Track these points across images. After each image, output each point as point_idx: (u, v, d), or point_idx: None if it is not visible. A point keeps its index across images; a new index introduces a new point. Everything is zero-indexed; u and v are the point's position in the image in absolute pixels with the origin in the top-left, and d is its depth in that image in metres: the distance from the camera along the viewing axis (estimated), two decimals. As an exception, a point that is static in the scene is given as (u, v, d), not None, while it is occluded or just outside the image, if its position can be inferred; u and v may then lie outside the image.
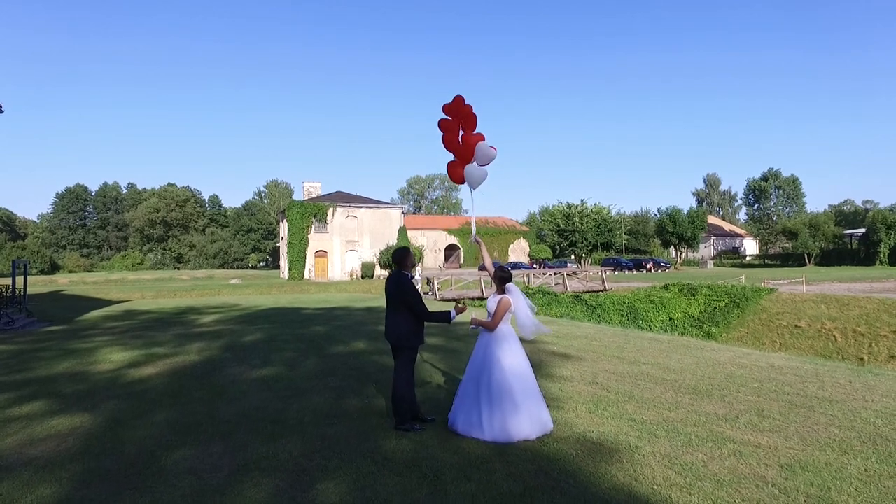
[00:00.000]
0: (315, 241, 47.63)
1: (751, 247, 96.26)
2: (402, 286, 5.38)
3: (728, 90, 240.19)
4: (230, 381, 7.64)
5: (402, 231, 50.83)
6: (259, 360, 9.16)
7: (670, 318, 20.39)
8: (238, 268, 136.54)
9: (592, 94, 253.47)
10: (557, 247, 46.07)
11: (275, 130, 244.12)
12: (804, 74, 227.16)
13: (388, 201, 53.61)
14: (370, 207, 50.04)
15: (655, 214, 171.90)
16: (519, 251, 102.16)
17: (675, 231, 48.61)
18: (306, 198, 50.66)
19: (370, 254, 49.72)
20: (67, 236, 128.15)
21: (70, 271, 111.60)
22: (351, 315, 17.16)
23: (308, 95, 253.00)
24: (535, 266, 45.80)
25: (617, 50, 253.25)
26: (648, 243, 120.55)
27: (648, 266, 52.18)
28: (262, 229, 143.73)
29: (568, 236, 43.91)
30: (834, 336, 16.92)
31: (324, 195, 51.44)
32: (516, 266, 54.35)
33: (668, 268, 61.80)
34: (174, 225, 70.24)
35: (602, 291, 28.38)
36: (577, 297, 19.78)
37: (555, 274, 31.57)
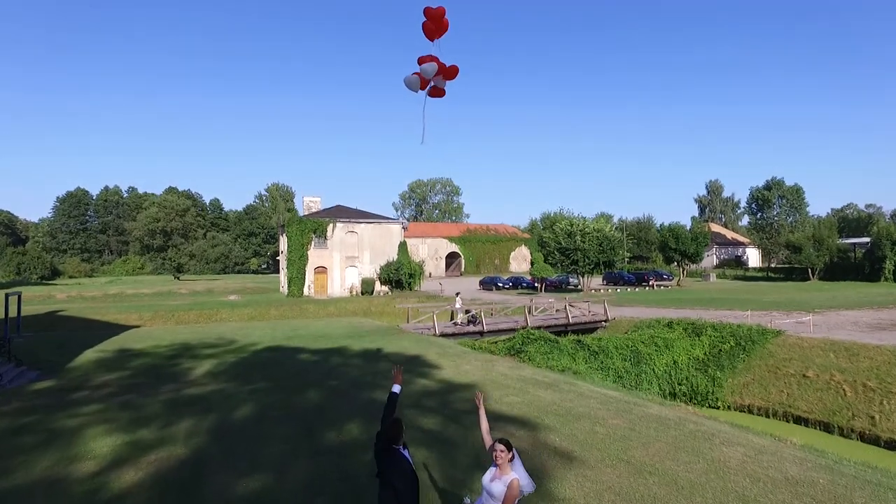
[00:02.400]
0: (315, 257, 47.23)
1: (753, 255, 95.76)
2: (391, 467, 4.93)
3: (729, 96, 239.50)
4: (214, 498, 7.26)
5: (403, 246, 50.38)
6: (246, 460, 8.73)
7: (674, 362, 19.93)
8: (239, 272, 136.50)
9: (595, 101, 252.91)
10: (559, 264, 45.58)
11: (276, 134, 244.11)
12: (804, 77, 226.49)
13: (389, 216, 53.10)
14: (370, 223, 49.60)
15: (658, 229, 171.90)
16: (520, 258, 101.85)
17: (678, 248, 48.11)
18: (306, 213, 50.27)
19: (370, 269, 49.29)
20: (68, 241, 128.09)
21: (70, 276, 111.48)
22: (347, 366, 16.72)
23: (309, 98, 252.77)
24: (536, 284, 45.31)
25: (621, 57, 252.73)
26: (650, 249, 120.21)
27: (651, 282, 51.67)
28: (263, 233, 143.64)
29: (570, 255, 43.39)
30: (843, 390, 16.45)
31: (324, 210, 51.04)
32: (517, 281, 53.85)
33: (670, 280, 61.30)
34: (174, 234, 69.75)
35: (604, 322, 27.96)
36: (579, 341, 19.32)
37: (556, 310, 31.14)
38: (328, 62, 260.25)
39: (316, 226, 46.97)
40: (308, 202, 51.47)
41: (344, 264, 48.48)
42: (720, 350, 20.31)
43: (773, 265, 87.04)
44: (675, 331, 21.90)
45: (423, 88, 8.02)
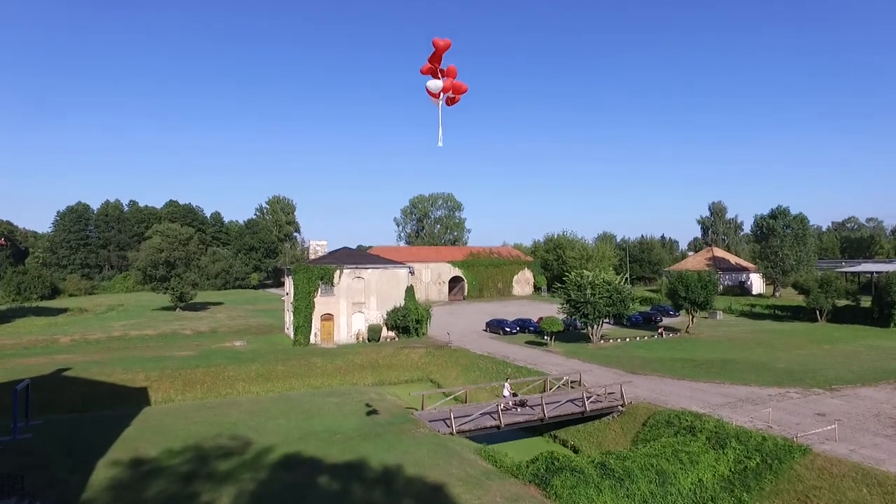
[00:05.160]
0: (321, 304, 46.77)
1: (757, 281, 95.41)
2: None
3: (728, 105, 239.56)
4: None
5: (410, 291, 49.96)
6: None
7: (700, 481, 19.55)
8: (240, 287, 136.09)
9: (596, 119, 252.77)
10: (569, 315, 45.40)
11: (278, 145, 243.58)
12: (800, 81, 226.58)
13: (396, 262, 52.63)
14: (377, 268, 49.16)
15: (661, 237, 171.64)
16: (523, 282, 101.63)
17: (688, 296, 47.78)
18: (313, 257, 49.80)
19: (377, 315, 48.84)
20: (68, 256, 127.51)
21: (70, 295, 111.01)
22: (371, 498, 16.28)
23: (309, 108, 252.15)
24: (547, 338, 44.85)
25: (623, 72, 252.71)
26: (654, 270, 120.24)
27: (659, 328, 51.15)
28: (264, 248, 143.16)
29: (580, 308, 43.16)
30: (879, 537, 16.09)
31: (329, 254, 50.61)
32: (524, 324, 53.36)
33: (676, 316, 60.89)
34: (177, 263, 69.46)
35: (621, 407, 27.61)
36: (603, 465, 18.92)
37: (571, 383, 30.84)
38: (329, 68, 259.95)
39: (323, 273, 46.52)
40: (315, 246, 51.08)
41: (350, 311, 48.04)
42: (745, 467, 19.93)
43: (777, 293, 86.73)
44: (698, 440, 21.52)
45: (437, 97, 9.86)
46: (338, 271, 47.27)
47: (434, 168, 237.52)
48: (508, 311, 75.57)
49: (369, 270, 48.76)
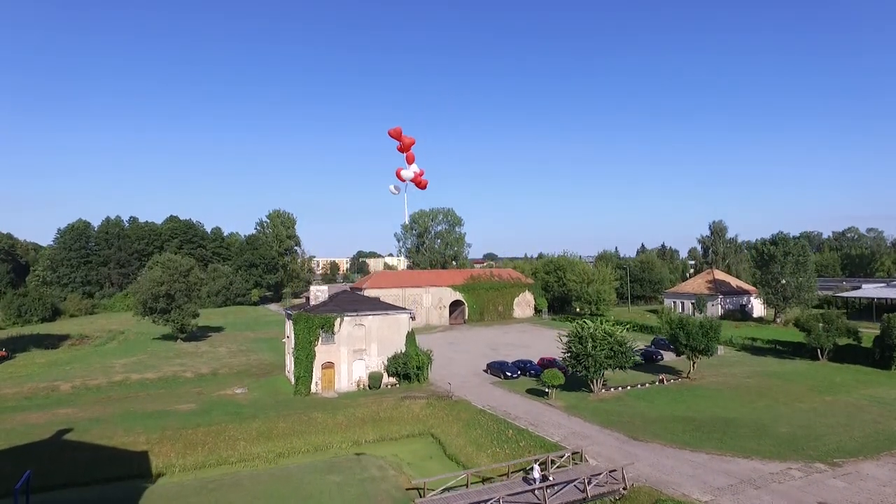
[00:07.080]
0: (322, 352, 46.77)
1: (758, 305, 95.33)
2: None
3: (727, 111, 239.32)
4: None
5: (411, 336, 49.91)
6: None
7: None
8: (240, 303, 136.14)
9: (597, 121, 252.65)
10: (571, 368, 45.35)
11: (279, 158, 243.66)
12: (803, 87, 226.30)
13: (398, 306, 52.59)
14: (378, 314, 49.15)
15: (661, 247, 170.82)
16: (524, 304, 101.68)
17: (688, 343, 47.79)
18: (314, 303, 49.77)
19: (377, 362, 48.82)
20: (69, 274, 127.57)
21: (72, 315, 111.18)
22: None
23: (309, 112, 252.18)
24: (548, 390, 44.68)
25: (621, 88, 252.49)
26: (654, 289, 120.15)
27: (661, 376, 50.88)
28: (264, 264, 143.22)
29: (581, 360, 43.22)
30: None
31: (330, 299, 50.51)
32: (525, 367, 53.23)
33: (680, 356, 60.61)
34: (177, 296, 69.47)
35: (623, 489, 27.58)
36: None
37: (573, 455, 30.79)
38: (328, 71, 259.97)
39: (323, 322, 46.52)
40: (315, 292, 50.99)
41: (351, 358, 48.05)
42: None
43: (778, 318, 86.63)
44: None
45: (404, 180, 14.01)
46: (338, 319, 47.24)
47: (434, 170, 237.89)
48: (509, 339, 75.80)
49: (370, 317, 48.72)
